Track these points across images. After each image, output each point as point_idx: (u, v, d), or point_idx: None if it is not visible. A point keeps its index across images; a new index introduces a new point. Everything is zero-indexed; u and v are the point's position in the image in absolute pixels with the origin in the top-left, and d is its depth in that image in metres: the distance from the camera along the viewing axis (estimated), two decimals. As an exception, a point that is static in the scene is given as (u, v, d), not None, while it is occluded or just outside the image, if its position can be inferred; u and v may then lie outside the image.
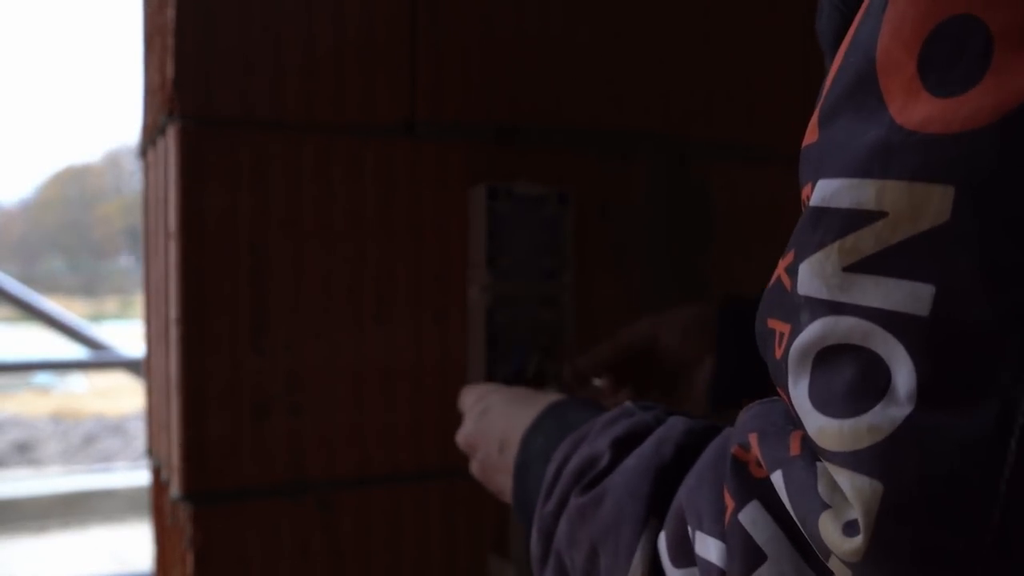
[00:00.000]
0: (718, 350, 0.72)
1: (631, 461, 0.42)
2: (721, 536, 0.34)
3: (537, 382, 0.80)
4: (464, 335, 0.86)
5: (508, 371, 0.82)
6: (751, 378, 0.59)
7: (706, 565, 0.34)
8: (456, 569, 0.87)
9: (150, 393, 1.00)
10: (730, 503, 0.34)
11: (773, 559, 0.31)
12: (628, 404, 0.49)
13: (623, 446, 0.44)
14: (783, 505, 0.31)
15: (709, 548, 0.34)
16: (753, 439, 0.34)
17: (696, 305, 0.77)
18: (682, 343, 0.74)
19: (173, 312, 0.77)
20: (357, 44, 0.82)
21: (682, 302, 0.79)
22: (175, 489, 0.78)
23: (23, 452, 6.44)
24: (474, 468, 0.63)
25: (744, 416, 0.36)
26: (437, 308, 0.85)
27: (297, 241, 0.80)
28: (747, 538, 0.32)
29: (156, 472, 0.96)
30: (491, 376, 0.83)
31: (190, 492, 0.76)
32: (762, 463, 0.33)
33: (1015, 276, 0.24)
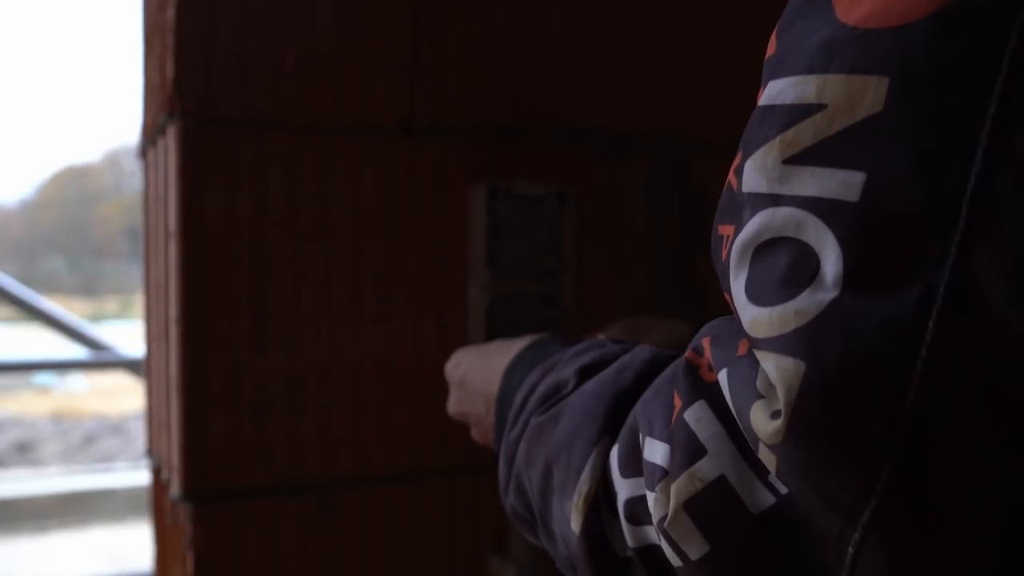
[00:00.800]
0: None
1: (591, 385, 0.43)
2: (668, 439, 0.34)
3: None
4: (464, 335, 0.86)
5: None
6: None
7: (651, 467, 0.35)
8: (456, 569, 0.87)
9: (150, 393, 1.00)
10: (678, 403, 0.34)
11: (712, 453, 0.32)
12: (601, 336, 0.49)
13: (588, 372, 0.45)
14: (727, 404, 0.32)
15: (656, 451, 0.35)
16: (706, 343, 0.34)
17: (669, 326, 0.72)
18: None
19: (173, 312, 0.77)
20: (357, 44, 0.82)
21: (660, 316, 0.76)
22: (175, 489, 0.78)
23: (23, 452, 6.44)
24: (475, 435, 0.62)
25: (704, 328, 0.37)
26: (437, 308, 0.85)
27: (297, 241, 0.80)
28: (691, 435, 0.33)
29: (156, 472, 0.96)
30: (491, 376, 0.83)
31: (190, 492, 0.76)
32: (712, 366, 0.33)
33: (942, 163, 0.25)
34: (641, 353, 0.43)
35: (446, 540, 0.86)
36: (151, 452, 1.00)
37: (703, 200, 0.98)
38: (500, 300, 0.83)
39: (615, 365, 0.43)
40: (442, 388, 0.86)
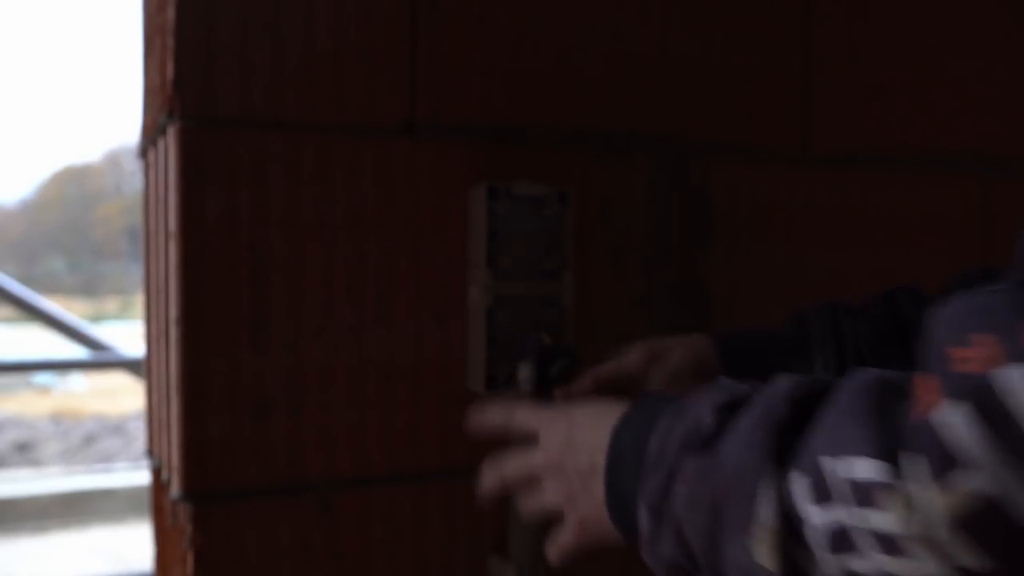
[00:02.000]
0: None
1: (743, 420, 0.42)
2: (886, 452, 0.33)
3: (560, 381, 0.77)
4: (464, 335, 0.86)
5: (528, 371, 0.77)
6: None
7: (862, 485, 0.33)
8: (456, 569, 0.87)
9: (150, 393, 1.00)
10: (923, 404, 0.32)
11: (982, 462, 0.29)
12: (721, 378, 0.49)
13: (727, 410, 0.44)
14: (1006, 406, 0.29)
15: (862, 468, 0.33)
16: (984, 338, 0.31)
17: (689, 343, 0.72)
18: (671, 386, 0.71)
19: (173, 312, 0.77)
20: (357, 44, 0.82)
21: (677, 332, 0.75)
22: (175, 489, 0.78)
23: (23, 452, 6.44)
24: (553, 492, 0.58)
25: (936, 319, 0.34)
26: (437, 308, 0.85)
27: (297, 241, 0.80)
28: (942, 441, 0.30)
29: (156, 472, 0.96)
30: (491, 376, 0.83)
31: (190, 492, 0.76)
32: (994, 359, 0.30)
33: None
34: (782, 383, 0.42)
35: (446, 540, 0.86)
36: (151, 452, 1.00)
37: (703, 200, 0.98)
38: (500, 300, 0.83)
39: (759, 398, 0.43)
40: (442, 388, 0.86)
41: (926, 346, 0.34)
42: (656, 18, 0.95)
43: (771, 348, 0.67)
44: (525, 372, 0.77)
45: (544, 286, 0.85)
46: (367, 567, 0.83)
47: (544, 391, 0.76)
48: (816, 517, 0.36)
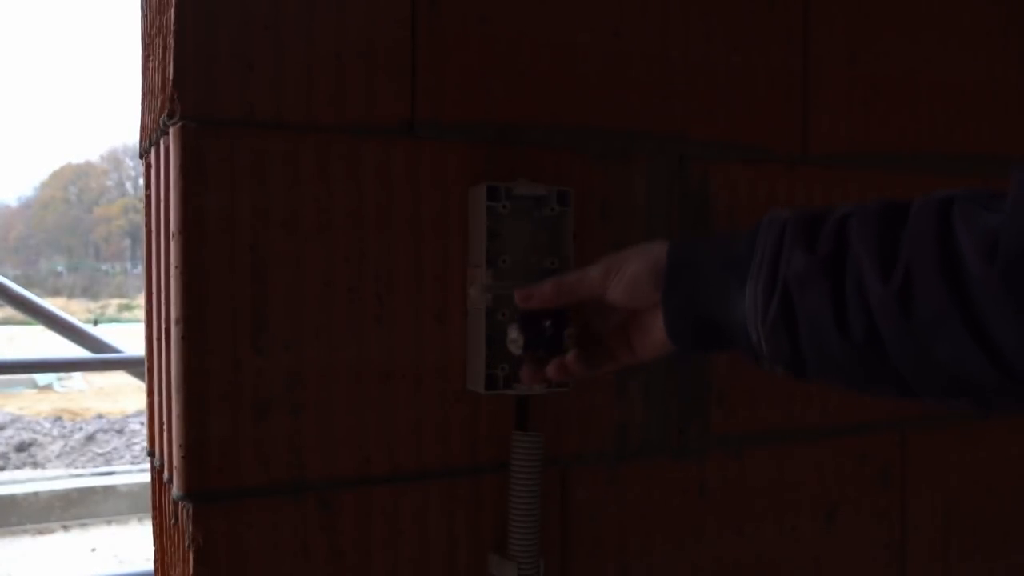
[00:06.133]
0: (664, 303, 0.68)
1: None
2: None
3: (552, 343, 0.76)
4: (464, 335, 0.86)
5: (537, 344, 0.76)
6: (707, 325, 0.64)
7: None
8: (456, 569, 0.87)
9: (151, 393, 1.00)
10: None
11: None
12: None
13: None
14: None
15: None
16: None
17: (644, 252, 0.72)
18: (629, 295, 0.71)
19: (173, 312, 0.77)
20: (357, 44, 0.82)
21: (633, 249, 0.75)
22: (176, 489, 0.78)
23: (24, 452, 6.44)
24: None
25: None
26: (437, 308, 0.85)
27: (297, 241, 0.80)
28: None
29: (157, 472, 0.96)
30: (491, 376, 0.83)
31: (191, 492, 0.76)
32: None
33: None
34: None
35: (446, 540, 0.86)
36: (152, 452, 1.00)
37: (703, 200, 0.98)
38: (500, 300, 0.83)
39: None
40: (442, 388, 0.86)
41: None
42: (656, 18, 0.96)
43: (715, 263, 0.65)
44: (513, 333, 0.77)
45: (544, 286, 0.85)
46: (367, 567, 0.83)
47: (535, 352, 0.76)
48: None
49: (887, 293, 0.51)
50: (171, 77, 0.76)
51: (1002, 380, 0.48)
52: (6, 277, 3.53)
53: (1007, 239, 0.45)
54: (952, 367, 0.50)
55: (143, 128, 0.98)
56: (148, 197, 0.95)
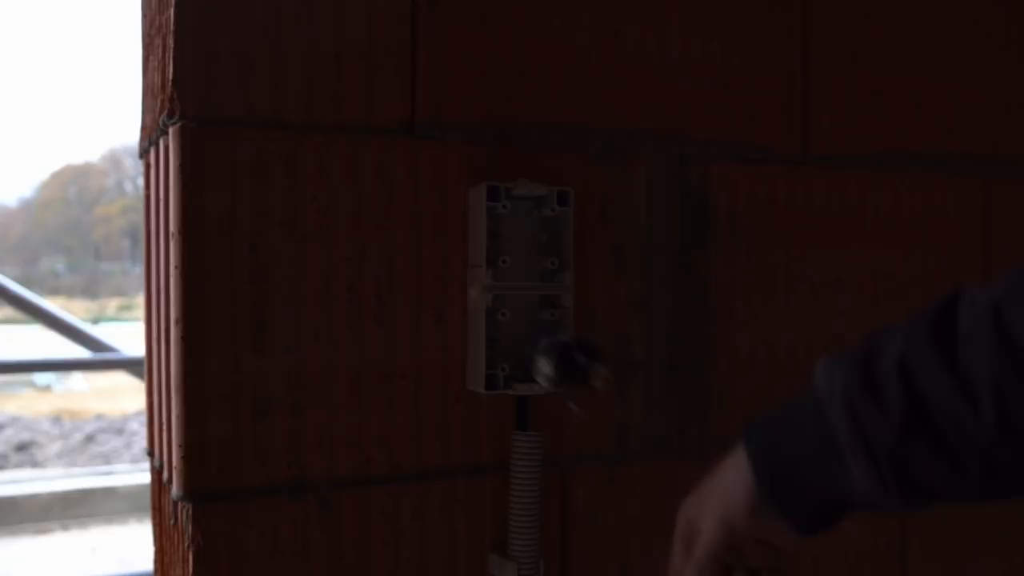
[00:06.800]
0: (787, 522, 0.63)
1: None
2: None
3: (582, 380, 0.74)
4: (464, 335, 0.86)
5: (549, 367, 0.75)
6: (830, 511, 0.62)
7: None
8: (456, 569, 0.87)
9: (150, 393, 1.00)
10: None
11: None
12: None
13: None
14: None
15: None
16: None
17: (721, 504, 0.66)
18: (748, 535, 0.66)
19: (173, 312, 0.77)
20: (357, 44, 0.82)
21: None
22: (176, 489, 0.78)
23: (23, 452, 6.44)
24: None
25: None
26: (437, 308, 0.85)
27: (297, 241, 0.80)
28: None
29: (157, 472, 0.96)
30: (491, 376, 0.83)
31: (191, 492, 0.76)
32: None
33: None
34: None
35: (446, 540, 0.86)
36: (152, 452, 1.00)
37: (703, 200, 0.98)
38: (500, 300, 0.83)
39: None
40: (442, 388, 0.86)
41: None
42: (656, 18, 0.95)
43: (807, 470, 0.61)
44: (546, 368, 0.75)
45: (544, 286, 0.85)
46: (367, 567, 0.83)
47: (564, 388, 0.75)
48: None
49: (988, 428, 0.51)
50: (171, 77, 0.76)
51: None
52: (6, 277, 3.53)
53: None
54: None
55: (143, 128, 0.98)
56: (148, 197, 0.95)
